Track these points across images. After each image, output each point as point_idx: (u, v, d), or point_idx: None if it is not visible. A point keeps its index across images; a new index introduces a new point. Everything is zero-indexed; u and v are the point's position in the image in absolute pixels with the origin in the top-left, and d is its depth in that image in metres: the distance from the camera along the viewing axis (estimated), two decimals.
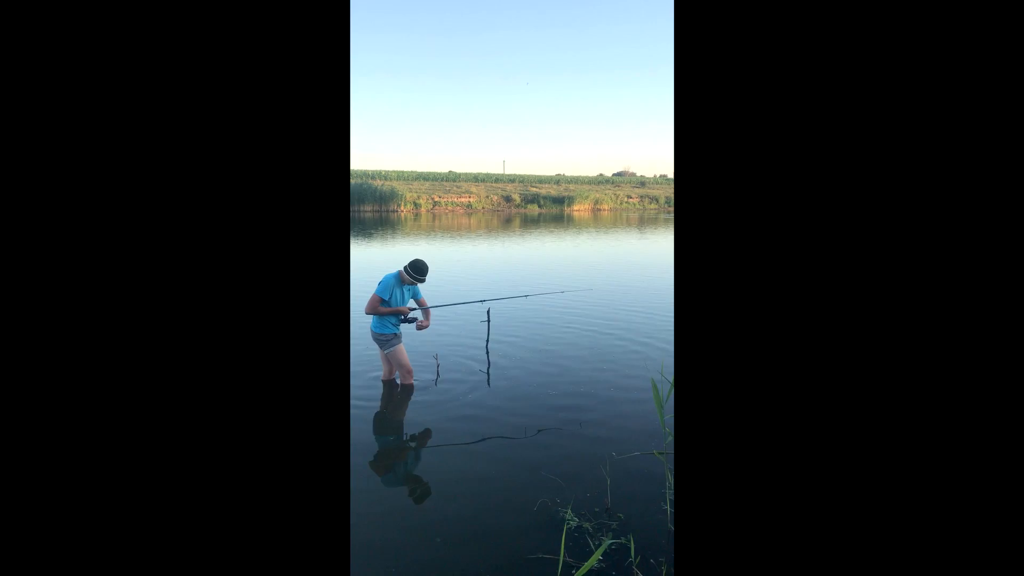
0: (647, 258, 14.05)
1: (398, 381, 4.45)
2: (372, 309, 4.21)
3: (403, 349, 4.35)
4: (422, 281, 4.35)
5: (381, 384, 4.43)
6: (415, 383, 4.42)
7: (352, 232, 20.32)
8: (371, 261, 12.45)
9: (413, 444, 3.52)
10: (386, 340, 4.30)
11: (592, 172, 65.72)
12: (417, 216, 32.41)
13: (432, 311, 4.71)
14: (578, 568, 2.20)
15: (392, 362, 4.39)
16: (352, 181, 37.20)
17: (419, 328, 4.46)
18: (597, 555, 1.56)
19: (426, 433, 3.64)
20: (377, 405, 4.09)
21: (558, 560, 2.18)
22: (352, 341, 5.38)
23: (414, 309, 4.44)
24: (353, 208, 34.38)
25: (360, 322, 4.78)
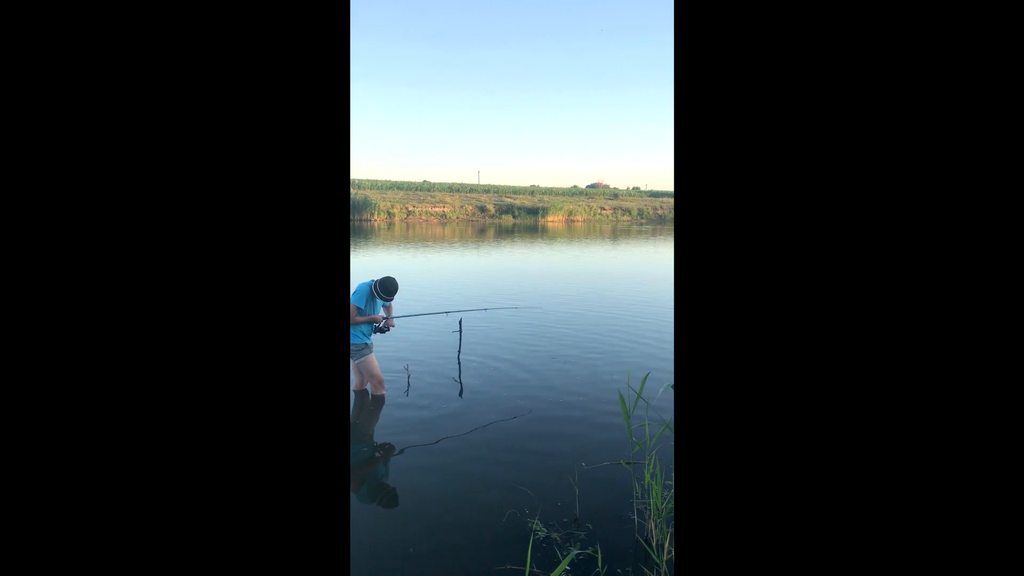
0: (615, 268, 14.20)
1: (369, 392, 4.42)
2: (351, 317, 4.17)
3: (374, 359, 4.32)
4: (390, 301, 4.37)
5: (352, 394, 4.39)
6: (385, 394, 4.39)
7: None
8: None
9: (382, 455, 3.50)
10: (357, 350, 4.25)
11: (566, 184, 66.47)
12: (391, 225, 32.23)
13: (403, 320, 4.69)
14: None
15: (363, 372, 4.34)
16: None
17: (384, 330, 4.42)
18: (564, 565, 1.58)
19: (396, 445, 3.61)
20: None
21: (524, 571, 2.19)
22: None
23: (386, 318, 4.42)
24: None
25: None
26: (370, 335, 4.31)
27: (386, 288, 4.28)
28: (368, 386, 4.43)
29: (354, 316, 4.17)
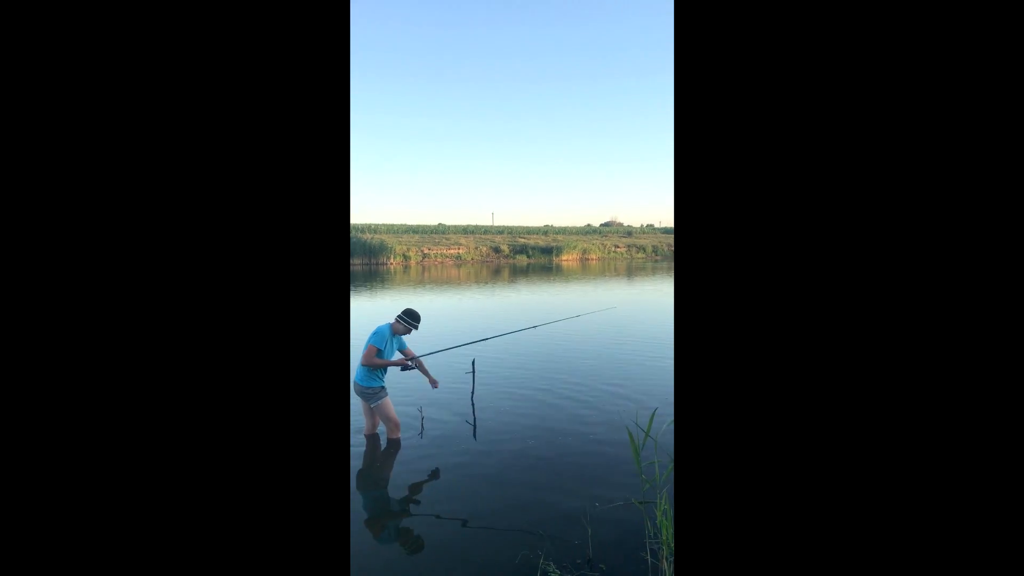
0: (628, 302, 14.18)
1: (381, 436, 4.42)
2: (369, 360, 4.19)
3: (390, 403, 4.35)
4: (416, 328, 4.44)
5: (364, 440, 4.40)
6: (400, 437, 4.40)
7: None
8: (360, 313, 12.48)
9: (398, 499, 3.52)
10: (373, 393, 4.27)
11: (580, 222, 66.90)
12: (407, 268, 32.60)
13: (422, 359, 4.74)
14: None
15: (379, 416, 4.35)
16: None
17: (411, 368, 4.44)
18: None
19: (410, 487, 3.64)
20: (359, 462, 4.06)
21: None
22: None
23: (415, 357, 4.45)
24: None
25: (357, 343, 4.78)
26: (384, 378, 4.35)
27: (412, 315, 4.39)
28: (380, 429, 4.45)
29: (372, 357, 4.18)
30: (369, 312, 12.71)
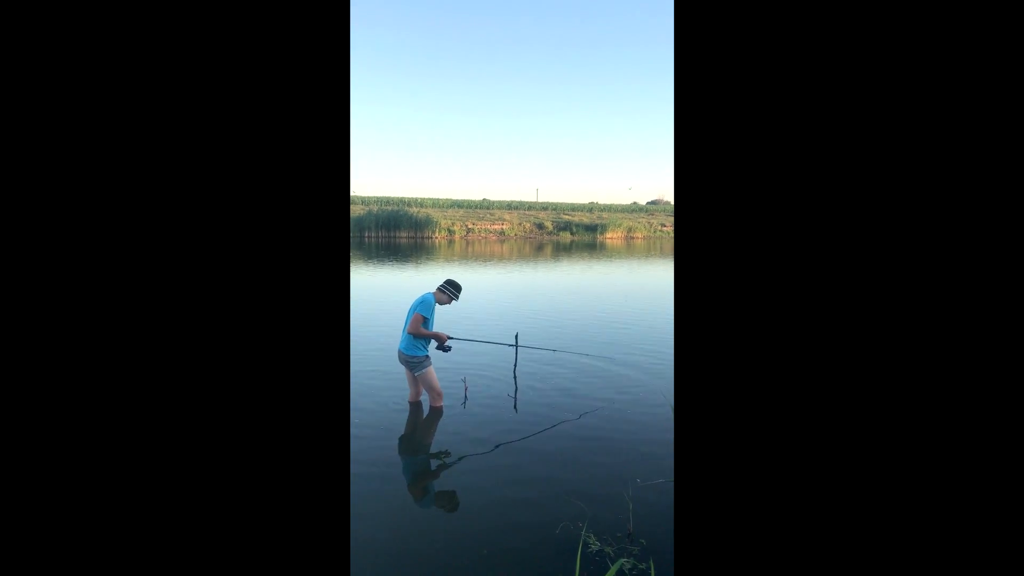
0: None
1: (424, 404, 4.51)
2: (415, 328, 4.21)
3: (433, 372, 4.40)
4: (457, 298, 4.50)
5: (408, 406, 4.49)
6: (444, 405, 4.47)
7: (386, 257, 20.73)
8: (405, 284, 12.68)
9: (440, 466, 3.58)
10: (418, 362, 4.32)
11: (626, 200, 65.88)
12: (451, 243, 32.88)
13: (459, 341, 4.77)
14: None
15: (423, 384, 4.42)
16: (387, 208, 38.08)
17: (447, 349, 4.46)
18: (612, 572, 1.59)
19: (452, 454, 3.69)
20: (402, 428, 4.15)
21: None
22: (373, 356, 5.51)
23: (450, 337, 4.45)
24: (389, 234, 35.14)
25: (361, 330, 4.86)
26: (428, 347, 4.39)
27: (455, 285, 4.45)
28: (424, 398, 4.52)
29: (418, 326, 4.21)
30: (416, 283, 12.88)
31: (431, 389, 4.40)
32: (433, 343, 4.42)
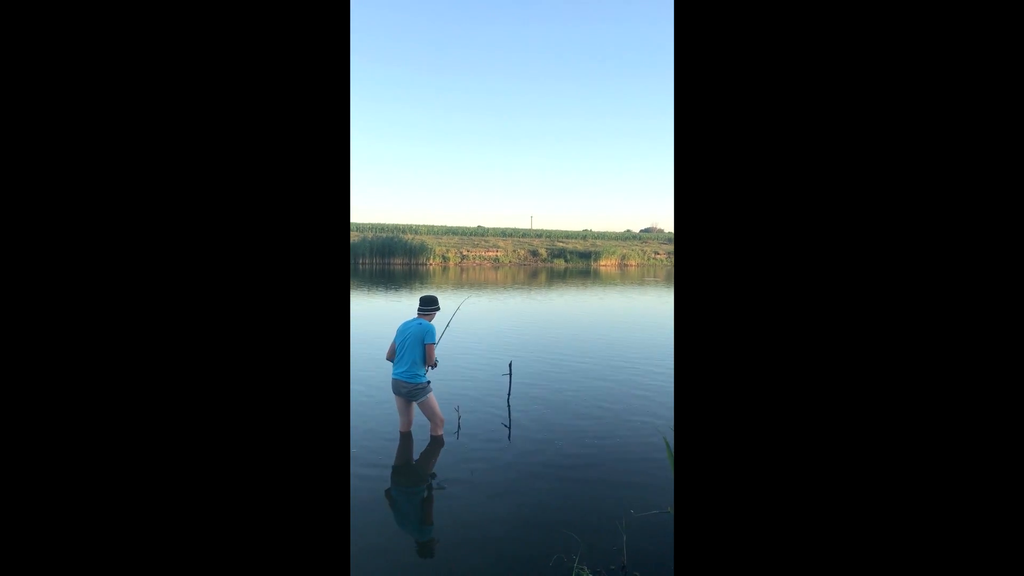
0: (660, 315, 13.94)
1: (415, 433, 4.44)
2: (432, 359, 4.19)
3: (435, 398, 4.34)
4: (439, 310, 4.43)
5: (399, 435, 4.41)
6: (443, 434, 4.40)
7: (380, 284, 20.71)
8: (399, 310, 12.65)
9: (433, 495, 3.55)
10: (421, 389, 4.22)
11: (619, 228, 66.34)
12: (446, 269, 32.93)
13: (454, 365, 4.75)
14: None
15: (424, 412, 4.31)
16: (382, 235, 38.22)
17: (434, 366, 4.42)
18: None
19: (447, 485, 3.67)
20: (391, 458, 4.08)
21: None
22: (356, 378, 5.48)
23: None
24: (383, 261, 35.22)
25: (362, 342, 4.82)
26: (427, 374, 4.34)
27: (431, 302, 4.36)
28: (413, 427, 4.43)
29: (433, 357, 4.18)
30: (408, 309, 12.85)
31: (433, 416, 4.31)
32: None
